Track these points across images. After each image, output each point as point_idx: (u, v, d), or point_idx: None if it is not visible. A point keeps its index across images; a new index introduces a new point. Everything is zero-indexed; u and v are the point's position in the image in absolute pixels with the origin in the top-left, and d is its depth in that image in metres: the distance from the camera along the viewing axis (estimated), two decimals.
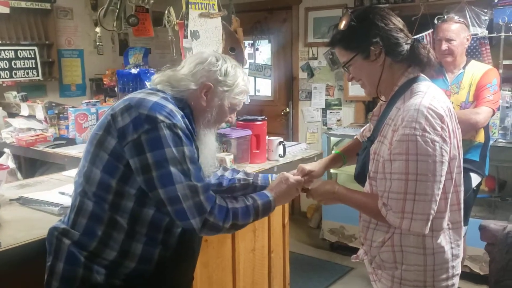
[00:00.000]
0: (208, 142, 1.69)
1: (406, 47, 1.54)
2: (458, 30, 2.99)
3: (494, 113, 2.97)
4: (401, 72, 1.57)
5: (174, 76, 1.63)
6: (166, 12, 3.16)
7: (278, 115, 5.48)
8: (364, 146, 1.69)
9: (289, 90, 5.43)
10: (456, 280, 1.59)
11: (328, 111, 5.16)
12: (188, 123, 1.54)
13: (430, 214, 1.44)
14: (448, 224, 1.54)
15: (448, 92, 3.02)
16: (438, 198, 1.45)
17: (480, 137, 3.01)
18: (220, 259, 2.57)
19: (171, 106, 1.51)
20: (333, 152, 3.41)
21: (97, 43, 3.33)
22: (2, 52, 4.48)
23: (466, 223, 3.05)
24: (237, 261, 2.66)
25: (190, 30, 2.62)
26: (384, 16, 1.55)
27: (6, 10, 4.42)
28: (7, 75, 4.51)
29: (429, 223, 1.46)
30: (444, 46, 2.99)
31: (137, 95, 1.55)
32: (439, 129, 1.42)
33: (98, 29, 3.31)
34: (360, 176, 1.67)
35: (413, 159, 1.42)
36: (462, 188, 1.57)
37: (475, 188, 3.07)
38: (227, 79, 1.63)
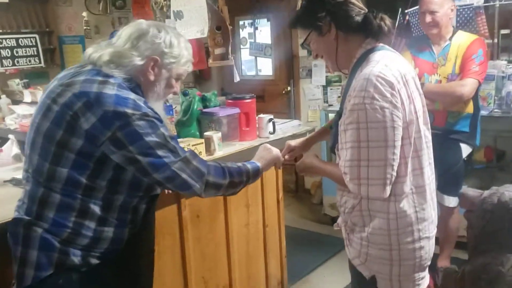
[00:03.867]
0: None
1: (357, 18, 1.57)
2: (441, 1, 2.94)
3: (480, 84, 2.94)
4: (358, 44, 1.61)
5: (116, 53, 1.54)
6: None
7: (279, 94, 5.49)
8: (335, 119, 1.74)
9: (289, 69, 5.42)
10: (425, 242, 1.61)
11: (328, 88, 5.13)
12: (151, 107, 1.53)
13: (387, 179, 1.48)
14: (411, 189, 1.56)
15: (435, 64, 3.02)
16: (394, 163, 1.48)
17: (469, 108, 3.00)
18: (212, 234, 2.64)
19: (132, 96, 1.48)
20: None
21: (84, 27, 3.38)
22: (4, 41, 4.56)
23: (458, 194, 3.06)
24: (230, 236, 2.74)
25: (173, 10, 2.64)
26: None
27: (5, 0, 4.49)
28: (9, 63, 4.60)
29: (388, 187, 1.50)
30: (428, 18, 2.96)
31: (89, 86, 1.45)
32: (388, 95, 1.45)
33: (84, 13, 3.35)
34: (334, 149, 1.72)
35: (363, 127, 1.46)
36: (425, 152, 1.58)
37: (466, 158, 3.09)
38: (173, 50, 1.60)
